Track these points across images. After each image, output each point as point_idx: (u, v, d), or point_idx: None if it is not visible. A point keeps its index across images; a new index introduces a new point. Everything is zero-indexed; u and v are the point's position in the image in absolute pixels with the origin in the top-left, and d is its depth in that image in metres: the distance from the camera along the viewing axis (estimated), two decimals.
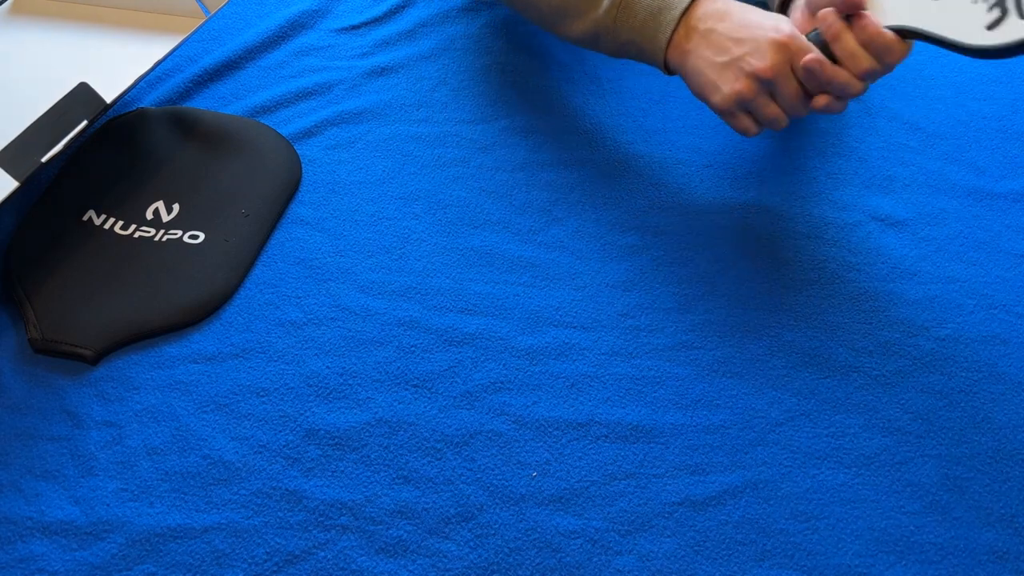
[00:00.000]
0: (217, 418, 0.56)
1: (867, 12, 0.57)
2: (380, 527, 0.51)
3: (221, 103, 0.78)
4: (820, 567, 0.49)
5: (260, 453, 0.54)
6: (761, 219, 0.68)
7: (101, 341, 0.59)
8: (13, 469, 0.53)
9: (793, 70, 0.58)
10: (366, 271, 0.65)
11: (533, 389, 0.57)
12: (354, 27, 0.86)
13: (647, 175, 0.72)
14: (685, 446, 0.55)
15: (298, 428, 0.55)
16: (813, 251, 0.66)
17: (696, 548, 0.50)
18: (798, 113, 0.61)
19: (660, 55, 0.64)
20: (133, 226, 0.66)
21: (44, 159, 0.61)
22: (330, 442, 0.55)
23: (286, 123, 0.76)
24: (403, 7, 0.88)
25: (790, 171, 0.72)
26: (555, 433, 0.55)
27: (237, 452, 0.54)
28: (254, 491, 0.52)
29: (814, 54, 0.57)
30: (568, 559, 0.50)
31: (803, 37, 0.59)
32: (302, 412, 0.56)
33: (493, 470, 0.53)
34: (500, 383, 0.58)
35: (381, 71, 0.82)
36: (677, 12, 0.62)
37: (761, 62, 0.58)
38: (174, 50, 0.73)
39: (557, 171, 0.72)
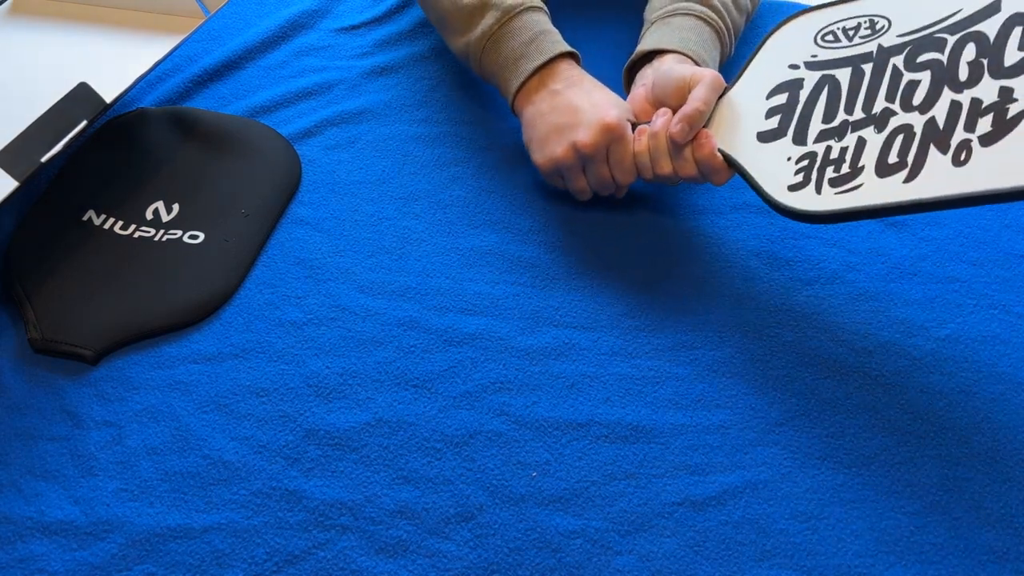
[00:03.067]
0: (217, 418, 0.56)
1: (707, 130, 0.60)
2: (380, 527, 0.51)
3: (221, 103, 0.78)
4: (820, 567, 0.49)
5: (260, 453, 0.54)
6: (761, 219, 0.68)
7: (101, 341, 0.59)
8: (13, 469, 0.53)
9: (609, 154, 0.63)
10: (366, 271, 0.65)
11: (533, 389, 0.57)
12: (354, 27, 0.86)
13: None
14: (685, 446, 0.55)
15: (298, 428, 0.55)
16: (813, 251, 0.66)
17: (696, 548, 0.50)
18: (602, 191, 0.66)
19: (510, 97, 0.68)
20: (133, 226, 0.66)
21: (44, 159, 0.61)
22: (330, 442, 0.55)
23: (286, 123, 0.76)
24: (403, 7, 0.88)
25: None
26: (555, 433, 0.55)
27: (237, 452, 0.54)
28: (254, 491, 0.52)
29: (634, 147, 0.62)
30: (568, 559, 0.50)
31: (629, 129, 0.62)
32: (302, 412, 0.56)
33: (493, 470, 0.53)
34: (500, 383, 0.58)
35: (381, 71, 0.82)
36: (534, 64, 0.65)
37: (586, 137, 0.62)
38: (174, 50, 0.73)
39: None
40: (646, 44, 0.69)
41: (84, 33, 0.79)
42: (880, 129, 0.52)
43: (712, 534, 0.51)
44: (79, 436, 0.55)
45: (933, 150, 0.50)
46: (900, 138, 0.51)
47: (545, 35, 0.67)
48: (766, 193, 0.56)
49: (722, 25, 0.70)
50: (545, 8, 0.70)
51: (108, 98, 0.66)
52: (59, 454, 0.54)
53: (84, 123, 0.64)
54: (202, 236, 0.66)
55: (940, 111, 0.50)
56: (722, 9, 0.71)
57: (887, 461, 0.54)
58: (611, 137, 0.61)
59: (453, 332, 0.61)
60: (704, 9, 0.70)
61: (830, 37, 0.56)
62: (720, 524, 0.51)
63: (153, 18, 0.80)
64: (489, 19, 0.68)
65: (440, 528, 0.51)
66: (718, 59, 0.70)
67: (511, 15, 0.67)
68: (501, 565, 0.49)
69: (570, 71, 0.66)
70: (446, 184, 0.71)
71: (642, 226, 0.68)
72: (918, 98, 0.51)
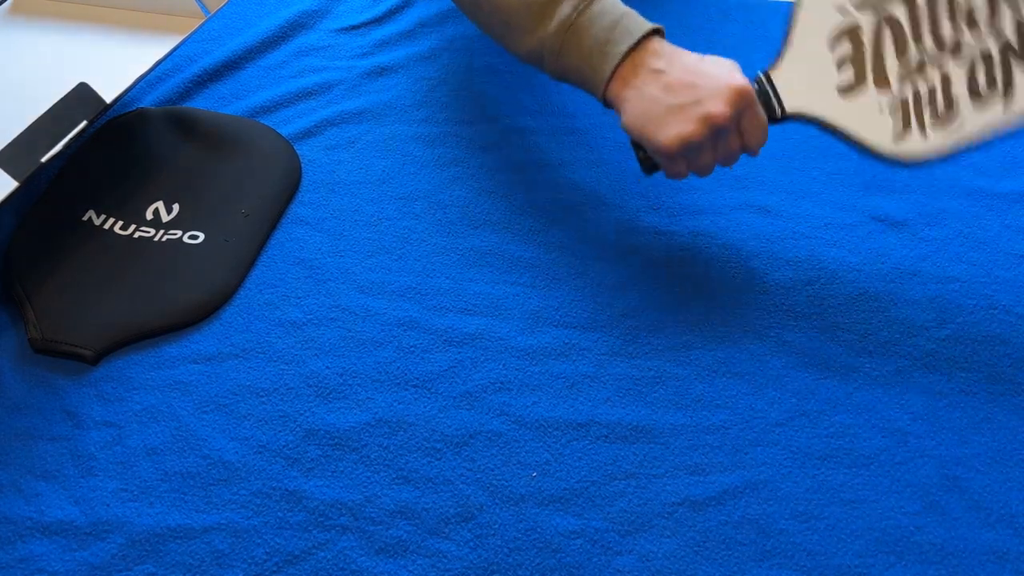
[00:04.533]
0: (217, 418, 0.56)
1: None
2: (380, 527, 0.51)
3: (221, 103, 0.78)
4: (820, 567, 0.49)
5: (260, 453, 0.54)
6: (761, 219, 0.68)
7: (101, 341, 0.59)
8: (13, 469, 0.53)
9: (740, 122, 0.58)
10: (366, 271, 0.65)
11: (533, 389, 0.57)
12: (354, 27, 0.86)
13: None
14: (685, 446, 0.55)
15: (298, 428, 0.55)
16: (813, 251, 0.66)
17: (696, 548, 0.50)
18: (726, 164, 0.61)
19: (601, 86, 0.61)
20: (133, 226, 0.66)
21: (44, 159, 0.61)
22: (330, 442, 0.55)
23: (286, 123, 0.76)
24: (403, 7, 0.88)
25: (790, 171, 0.72)
26: (555, 433, 0.55)
27: (237, 452, 0.54)
28: (254, 491, 0.52)
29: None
30: (568, 559, 0.50)
31: (755, 99, 0.58)
32: (302, 412, 0.56)
33: (493, 470, 0.53)
34: (500, 383, 0.58)
35: (381, 71, 0.82)
36: (625, 47, 0.60)
37: (719, 108, 0.56)
38: (174, 50, 0.73)
39: (557, 171, 0.72)
40: None
41: (84, 33, 0.79)
42: (958, 58, 0.53)
43: (712, 534, 0.51)
44: (79, 436, 0.55)
45: (1018, 69, 0.51)
46: (982, 65, 0.52)
47: (628, 16, 0.61)
48: (877, 148, 0.55)
49: None
50: None
51: (108, 98, 0.66)
52: (59, 454, 0.54)
53: (84, 123, 0.64)
54: (202, 236, 0.66)
55: (1009, 30, 0.51)
56: None
57: (887, 461, 0.54)
58: (744, 102, 0.57)
59: (453, 332, 0.61)
60: None
61: None
62: (720, 524, 0.51)
63: (153, 18, 0.80)
64: (566, 8, 0.62)
65: (440, 528, 0.51)
66: None
67: (588, 1, 0.61)
68: (501, 565, 0.49)
69: (663, 47, 0.60)
70: (446, 184, 0.71)
71: (642, 226, 0.68)
72: (982, 19, 0.52)
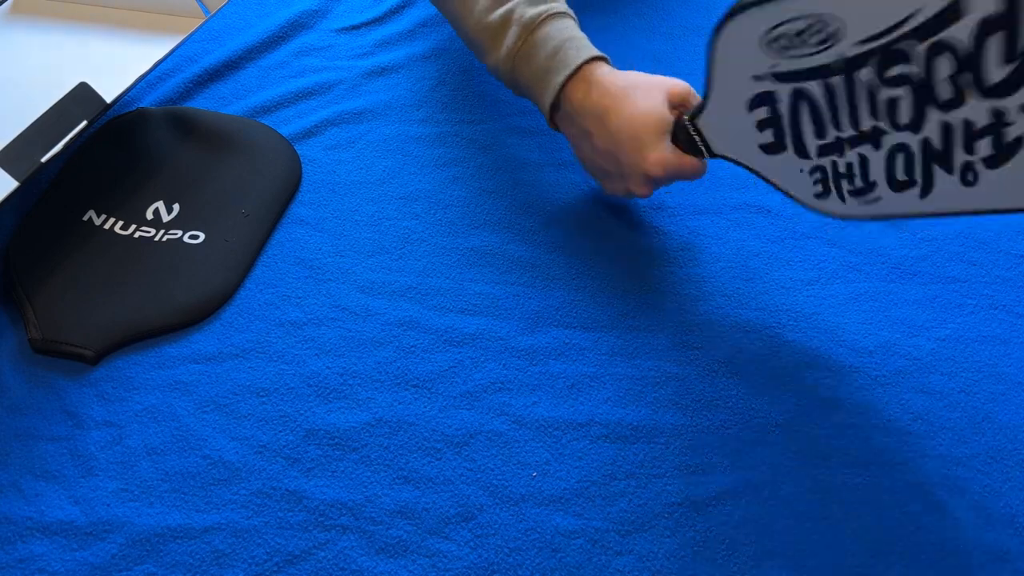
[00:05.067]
0: (217, 418, 0.56)
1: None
2: (380, 527, 0.51)
3: (221, 103, 0.78)
4: (820, 567, 0.49)
5: (260, 453, 0.54)
6: (761, 219, 0.68)
7: (101, 341, 0.59)
8: (13, 469, 0.54)
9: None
10: (366, 271, 0.65)
11: (533, 389, 0.57)
12: (354, 27, 0.86)
13: None
14: (685, 446, 0.55)
15: (298, 428, 0.55)
16: (813, 251, 0.66)
17: (696, 548, 0.50)
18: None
19: (547, 115, 0.65)
20: (133, 226, 0.66)
21: (44, 159, 0.61)
22: (330, 442, 0.55)
23: (286, 123, 0.76)
24: (403, 7, 0.88)
25: None
26: (555, 433, 0.55)
27: (237, 452, 0.54)
28: (254, 491, 0.52)
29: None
30: (568, 559, 0.50)
31: (672, 158, 0.58)
32: (302, 412, 0.56)
33: (493, 470, 0.53)
34: (500, 383, 0.58)
35: (381, 71, 0.82)
36: (560, 79, 0.62)
37: (641, 190, 0.61)
38: (174, 50, 0.73)
39: (557, 171, 0.72)
40: None
41: (84, 33, 0.79)
42: (877, 147, 0.49)
43: (712, 534, 0.51)
44: (79, 436, 0.55)
45: (938, 170, 0.47)
46: (901, 156, 0.48)
47: (570, 42, 0.63)
48: (800, 201, 0.55)
49: None
50: (569, 12, 0.66)
51: (108, 98, 0.66)
52: (59, 454, 0.54)
53: (84, 123, 0.64)
54: (202, 236, 0.66)
55: (932, 132, 0.46)
56: None
57: (887, 461, 0.54)
58: (665, 177, 0.59)
59: (453, 332, 0.61)
60: None
61: (783, 42, 0.49)
62: (720, 524, 0.51)
63: (153, 18, 0.80)
64: (511, 36, 0.64)
65: (440, 528, 0.51)
66: None
67: (532, 28, 0.63)
68: (501, 565, 0.49)
69: (597, 87, 0.61)
70: (446, 184, 0.71)
71: (642, 226, 0.68)
72: (904, 117, 0.47)
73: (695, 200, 0.70)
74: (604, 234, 0.67)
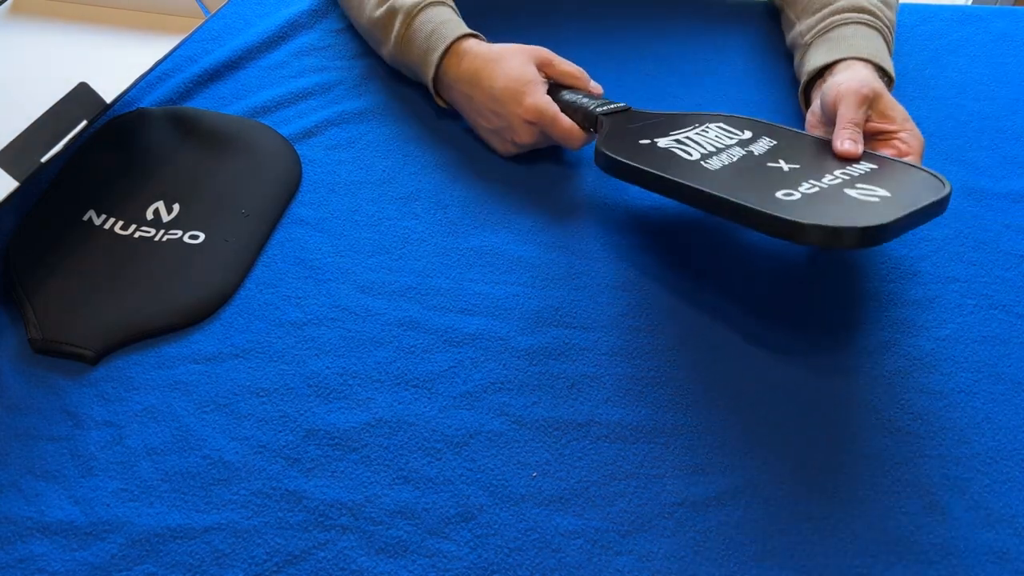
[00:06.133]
0: (217, 418, 0.56)
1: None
2: (380, 527, 0.51)
3: (221, 103, 0.78)
4: (820, 567, 0.49)
5: (260, 453, 0.54)
6: None
7: (101, 341, 0.59)
8: (13, 469, 0.53)
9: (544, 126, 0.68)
10: (366, 271, 0.65)
11: (533, 389, 0.57)
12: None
13: None
14: (685, 446, 0.55)
15: (298, 428, 0.55)
16: (814, 251, 0.66)
17: (696, 548, 0.50)
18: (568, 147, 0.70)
19: (432, 92, 0.74)
20: (133, 226, 0.66)
21: (44, 159, 0.61)
22: (330, 442, 0.55)
23: (286, 123, 0.76)
24: None
25: None
26: (555, 433, 0.55)
27: (237, 452, 0.54)
28: (254, 491, 0.52)
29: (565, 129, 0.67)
30: (568, 559, 0.50)
31: (548, 106, 0.67)
32: (302, 412, 0.56)
33: (493, 470, 0.53)
34: (500, 383, 0.58)
35: (381, 71, 0.82)
36: (436, 56, 0.71)
37: (522, 138, 0.69)
38: (174, 50, 0.73)
39: (557, 171, 0.72)
40: (815, 62, 0.70)
41: (84, 33, 0.79)
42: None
43: (712, 534, 0.51)
44: (79, 436, 0.55)
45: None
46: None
47: (444, 25, 0.72)
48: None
49: (882, 24, 0.71)
50: (447, 1, 0.75)
51: (108, 98, 0.66)
52: (59, 454, 0.54)
53: (84, 123, 0.64)
54: (202, 236, 0.66)
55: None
56: (875, 10, 0.71)
57: (887, 461, 0.54)
58: (542, 122, 0.67)
59: (453, 332, 0.61)
60: (862, 15, 0.71)
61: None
62: (720, 524, 0.51)
63: (153, 18, 0.80)
64: (396, 24, 0.73)
65: (440, 528, 0.51)
66: (888, 57, 0.70)
67: (412, 15, 0.72)
68: (501, 565, 0.49)
69: (468, 55, 0.70)
70: (446, 184, 0.71)
71: (642, 226, 0.68)
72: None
73: None
74: (604, 234, 0.67)
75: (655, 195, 0.70)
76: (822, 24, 0.72)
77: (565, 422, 0.56)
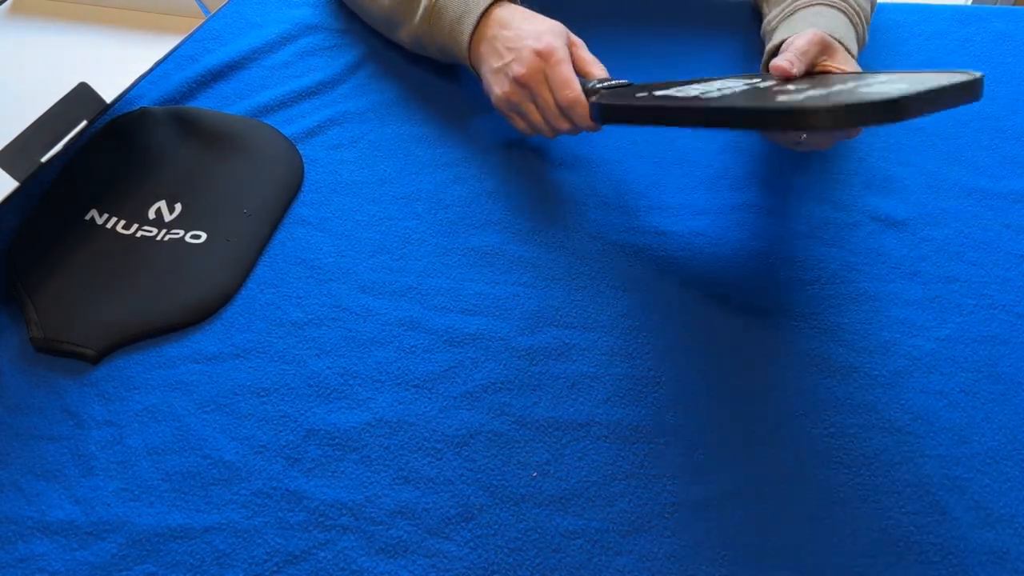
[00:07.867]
0: (217, 418, 0.56)
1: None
2: (380, 527, 0.51)
3: (223, 103, 0.78)
4: (820, 567, 0.49)
5: (260, 453, 0.54)
6: (761, 219, 0.68)
7: (102, 340, 0.59)
8: (13, 469, 0.54)
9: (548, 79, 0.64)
10: (367, 271, 0.65)
11: (533, 389, 0.57)
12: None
13: (647, 175, 0.72)
14: (685, 446, 0.55)
15: (298, 428, 0.55)
16: (813, 251, 0.66)
17: (696, 548, 0.50)
18: (557, 124, 0.66)
19: (466, 59, 0.70)
20: (135, 226, 0.66)
21: (44, 159, 0.61)
22: (330, 442, 0.55)
23: (288, 123, 0.76)
24: None
25: (790, 171, 0.72)
26: (555, 433, 0.55)
27: (237, 452, 0.54)
28: (254, 491, 0.52)
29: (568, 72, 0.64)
30: (568, 559, 0.50)
31: (563, 51, 0.64)
32: (302, 412, 0.56)
33: (493, 470, 0.53)
34: (500, 383, 0.58)
35: (383, 71, 0.82)
36: (474, 17, 0.68)
37: (520, 68, 0.65)
38: (174, 50, 0.73)
39: (557, 171, 0.72)
40: (777, 38, 0.69)
41: (84, 33, 0.79)
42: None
43: (712, 534, 0.51)
44: (80, 436, 0.55)
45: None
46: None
47: None
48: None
49: (848, 7, 0.70)
50: None
51: (108, 98, 0.66)
52: (60, 454, 0.54)
53: (84, 123, 0.64)
54: (204, 236, 0.66)
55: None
56: None
57: (887, 461, 0.54)
58: (544, 61, 0.64)
59: (453, 332, 0.61)
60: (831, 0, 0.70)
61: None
62: (720, 524, 0.51)
63: (153, 18, 0.80)
64: (423, 1, 0.72)
65: (440, 528, 0.51)
66: (855, 40, 0.69)
67: None
68: (501, 565, 0.49)
69: (501, 12, 0.68)
70: (447, 184, 0.71)
71: (642, 226, 0.68)
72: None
73: (695, 200, 0.70)
74: (604, 234, 0.67)
75: (655, 195, 0.70)
76: (788, 8, 0.72)
77: (565, 422, 0.56)
